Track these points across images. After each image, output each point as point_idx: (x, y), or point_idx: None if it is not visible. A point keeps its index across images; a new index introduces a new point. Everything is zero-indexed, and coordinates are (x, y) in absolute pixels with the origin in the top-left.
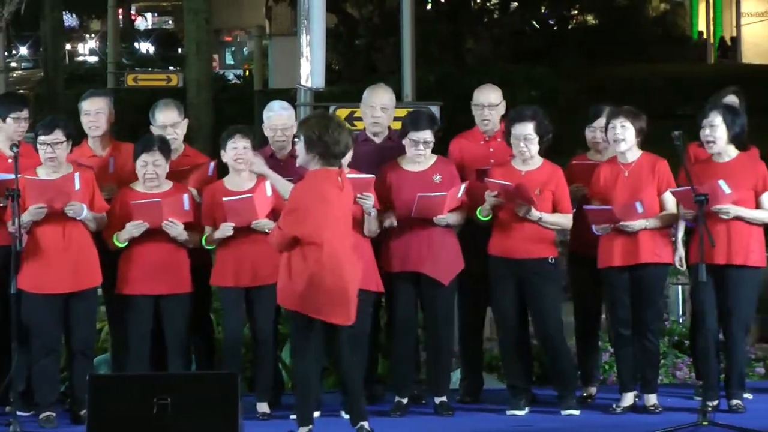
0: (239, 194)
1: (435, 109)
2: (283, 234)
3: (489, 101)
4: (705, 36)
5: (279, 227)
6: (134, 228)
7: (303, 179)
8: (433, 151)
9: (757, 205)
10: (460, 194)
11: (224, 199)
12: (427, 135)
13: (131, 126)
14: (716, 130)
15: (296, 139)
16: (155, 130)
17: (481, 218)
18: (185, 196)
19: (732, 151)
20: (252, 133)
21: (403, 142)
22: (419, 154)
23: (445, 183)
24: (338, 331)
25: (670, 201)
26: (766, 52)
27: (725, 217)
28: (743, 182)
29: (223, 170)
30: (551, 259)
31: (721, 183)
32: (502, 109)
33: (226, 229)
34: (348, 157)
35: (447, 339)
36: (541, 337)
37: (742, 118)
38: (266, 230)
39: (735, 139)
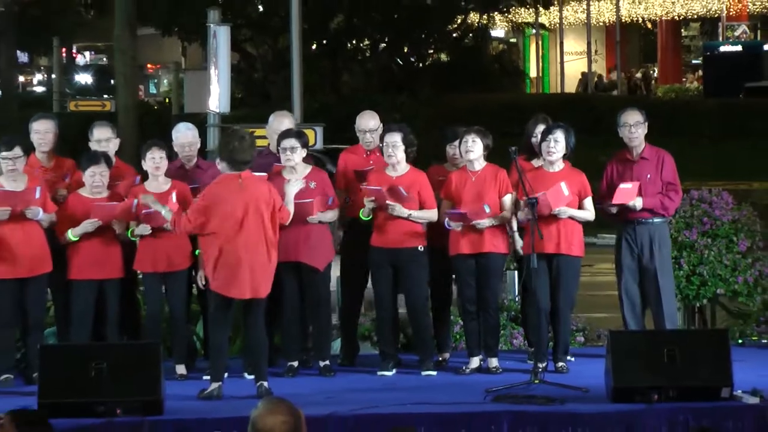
0: (158, 196)
1: (319, 130)
2: (191, 226)
3: (369, 127)
4: (538, 73)
5: (188, 219)
6: (90, 225)
7: (211, 185)
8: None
9: (581, 207)
10: (330, 201)
11: (143, 212)
12: (292, 142)
13: (73, 143)
14: (558, 145)
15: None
16: (92, 145)
17: (364, 218)
18: (135, 201)
19: (561, 163)
20: (166, 145)
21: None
22: (288, 159)
23: (319, 188)
24: (250, 304)
25: (508, 202)
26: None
27: (563, 216)
28: (570, 188)
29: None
30: (420, 248)
31: (563, 185)
32: (380, 131)
33: (144, 230)
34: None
35: (327, 315)
36: (410, 312)
37: (572, 137)
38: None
39: (566, 153)
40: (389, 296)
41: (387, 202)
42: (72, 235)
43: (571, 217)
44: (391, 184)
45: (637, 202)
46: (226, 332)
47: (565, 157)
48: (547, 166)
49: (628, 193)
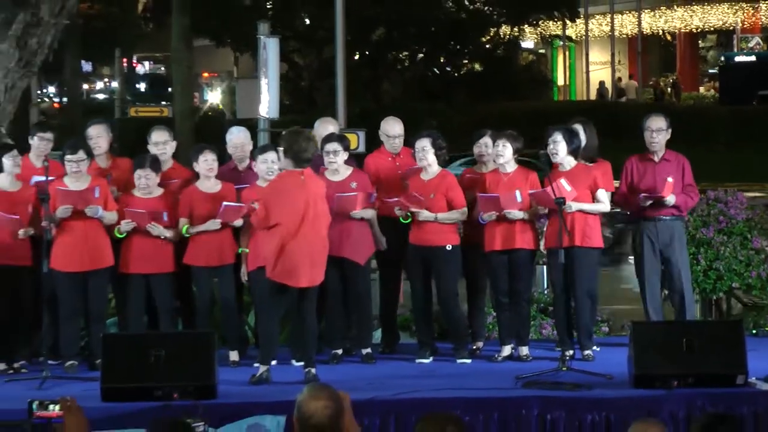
0: (213, 196)
1: (361, 134)
2: (259, 219)
3: (395, 132)
4: (565, 81)
5: (257, 214)
6: (125, 225)
7: (274, 179)
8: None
9: (594, 200)
10: (372, 200)
11: (224, 203)
12: (335, 146)
13: (134, 145)
14: (558, 145)
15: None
16: (151, 148)
17: (403, 221)
18: (164, 213)
19: (572, 162)
20: (217, 148)
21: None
22: (331, 162)
23: (360, 188)
24: (305, 292)
25: None
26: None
27: (569, 211)
28: (580, 184)
29: None
30: (449, 247)
31: (562, 181)
32: (403, 136)
33: (214, 225)
34: None
35: (368, 305)
36: (442, 305)
37: (578, 138)
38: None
39: (572, 153)
40: (423, 290)
41: (411, 209)
42: (117, 232)
43: (581, 211)
44: (407, 194)
45: (671, 198)
46: (278, 319)
47: (575, 156)
48: (560, 166)
49: (671, 187)
